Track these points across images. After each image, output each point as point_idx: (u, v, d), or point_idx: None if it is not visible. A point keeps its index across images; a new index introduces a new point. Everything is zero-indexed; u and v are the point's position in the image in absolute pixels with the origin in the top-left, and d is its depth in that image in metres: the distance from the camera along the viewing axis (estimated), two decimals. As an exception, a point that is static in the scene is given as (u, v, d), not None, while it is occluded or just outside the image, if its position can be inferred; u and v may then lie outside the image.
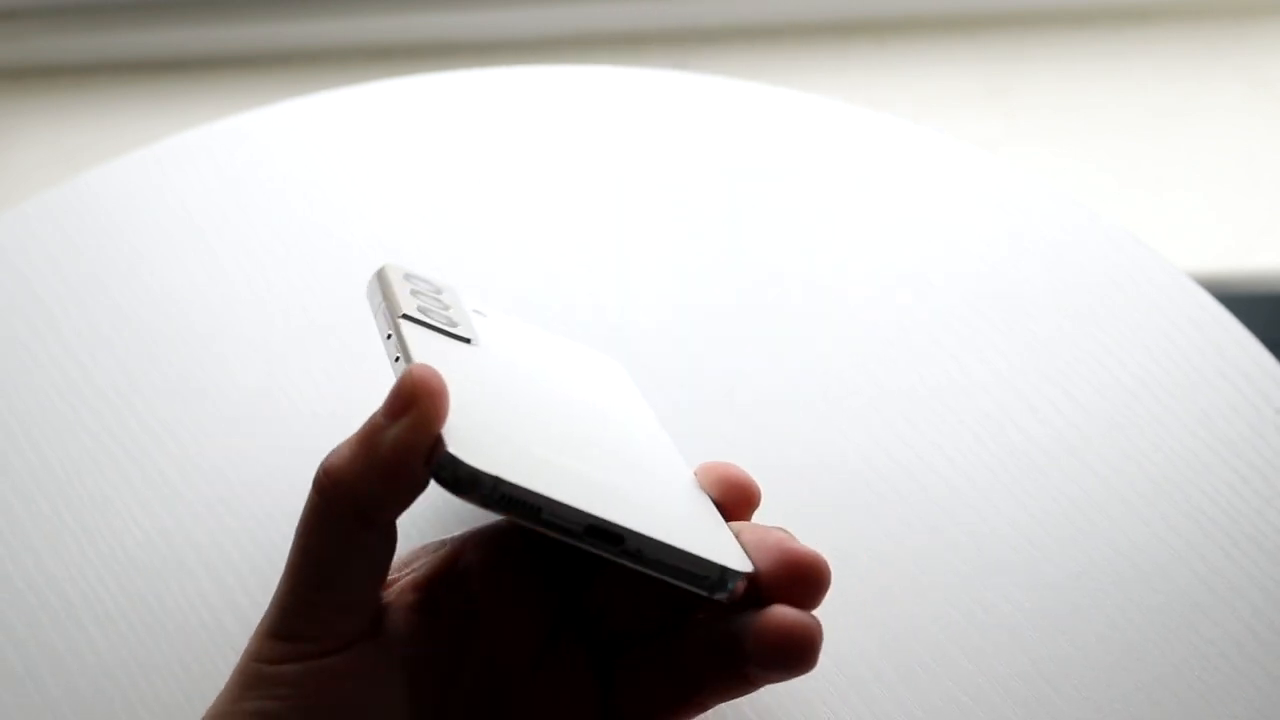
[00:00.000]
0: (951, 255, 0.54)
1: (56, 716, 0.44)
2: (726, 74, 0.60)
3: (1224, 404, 0.49)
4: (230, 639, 0.45)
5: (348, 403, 0.50)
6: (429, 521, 0.45)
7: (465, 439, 0.33)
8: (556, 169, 0.57)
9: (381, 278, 0.41)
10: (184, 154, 0.58)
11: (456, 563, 0.38)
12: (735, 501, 0.39)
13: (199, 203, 0.56)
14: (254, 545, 0.47)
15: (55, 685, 0.44)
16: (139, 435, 0.50)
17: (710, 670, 0.36)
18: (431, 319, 0.40)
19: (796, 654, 0.35)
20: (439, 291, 0.43)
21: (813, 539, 0.37)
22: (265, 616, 0.36)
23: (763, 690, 0.43)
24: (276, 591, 0.36)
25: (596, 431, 0.40)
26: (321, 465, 0.35)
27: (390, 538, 0.36)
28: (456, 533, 0.39)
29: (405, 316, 0.39)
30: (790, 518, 0.41)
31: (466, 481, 0.32)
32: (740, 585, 0.35)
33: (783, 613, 0.34)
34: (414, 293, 0.41)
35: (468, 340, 0.40)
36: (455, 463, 0.32)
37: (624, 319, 0.52)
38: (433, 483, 0.33)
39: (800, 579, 0.35)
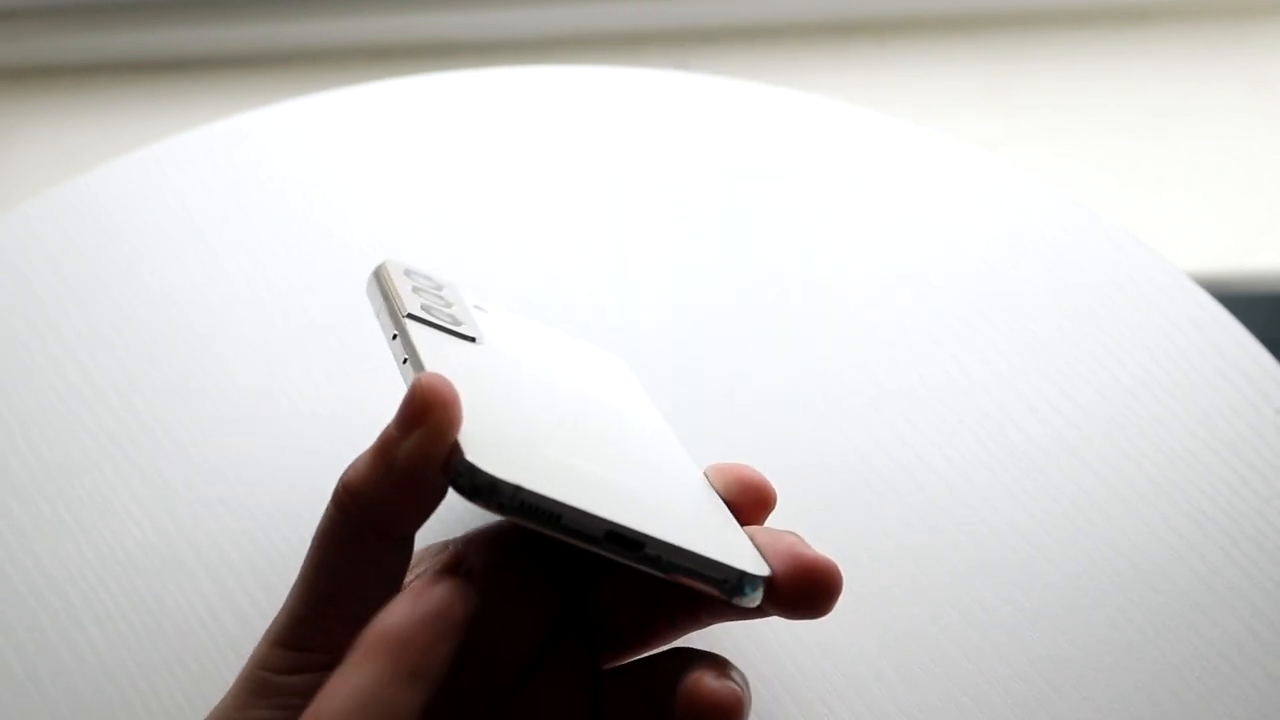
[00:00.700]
0: (951, 255, 0.54)
1: (56, 717, 0.44)
2: (726, 74, 0.60)
3: (1224, 404, 0.49)
4: (230, 639, 0.45)
5: (348, 403, 0.50)
6: (430, 523, 0.45)
7: (481, 445, 0.33)
8: (556, 169, 0.57)
9: (381, 274, 0.41)
10: (184, 154, 0.58)
11: (460, 565, 0.38)
12: (751, 504, 0.39)
13: (199, 203, 0.56)
14: (253, 545, 0.47)
15: (55, 686, 0.44)
16: (138, 435, 0.50)
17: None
18: (436, 317, 0.39)
19: None
20: (440, 288, 0.42)
21: (813, 539, 0.37)
22: (273, 624, 0.36)
23: (761, 690, 0.43)
24: (286, 601, 0.36)
25: (607, 431, 0.40)
26: (340, 480, 0.35)
27: (407, 551, 0.35)
28: (459, 534, 0.39)
29: (410, 316, 0.39)
30: (790, 518, 0.41)
31: (485, 489, 0.32)
32: (760, 590, 0.35)
33: (707, 683, 0.35)
34: (416, 290, 0.41)
35: (473, 339, 0.40)
36: (473, 470, 0.32)
37: (624, 319, 0.52)
38: None
39: (812, 585, 0.35)
